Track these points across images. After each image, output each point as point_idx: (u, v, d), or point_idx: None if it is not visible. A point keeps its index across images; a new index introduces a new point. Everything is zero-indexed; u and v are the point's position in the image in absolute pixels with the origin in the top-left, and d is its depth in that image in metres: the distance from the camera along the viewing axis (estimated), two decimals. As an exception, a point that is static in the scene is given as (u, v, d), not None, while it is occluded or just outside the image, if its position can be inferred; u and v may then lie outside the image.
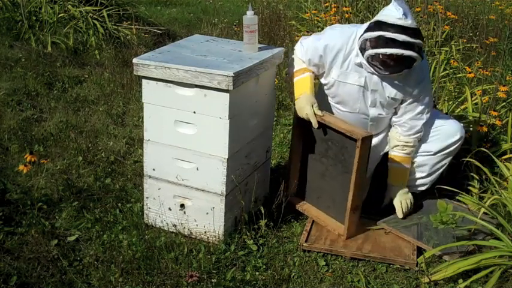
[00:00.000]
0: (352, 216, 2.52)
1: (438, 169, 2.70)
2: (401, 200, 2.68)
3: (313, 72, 2.65)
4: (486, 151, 2.86)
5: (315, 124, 2.52)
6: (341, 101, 2.67)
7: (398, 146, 2.66)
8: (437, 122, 2.67)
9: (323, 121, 2.53)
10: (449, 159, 2.68)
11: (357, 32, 2.53)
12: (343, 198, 2.54)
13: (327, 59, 2.58)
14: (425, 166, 2.69)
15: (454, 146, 2.63)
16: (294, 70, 2.68)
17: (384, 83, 2.55)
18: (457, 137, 2.62)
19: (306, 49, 2.63)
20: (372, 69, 2.49)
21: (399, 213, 2.67)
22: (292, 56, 2.71)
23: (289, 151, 2.77)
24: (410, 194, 2.71)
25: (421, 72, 2.57)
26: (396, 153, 2.68)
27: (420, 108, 2.60)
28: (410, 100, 2.59)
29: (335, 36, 2.59)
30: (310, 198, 2.75)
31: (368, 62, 2.47)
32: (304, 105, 2.55)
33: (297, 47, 2.69)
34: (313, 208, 2.72)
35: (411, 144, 2.65)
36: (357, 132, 2.42)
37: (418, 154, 2.68)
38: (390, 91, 2.57)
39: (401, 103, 2.61)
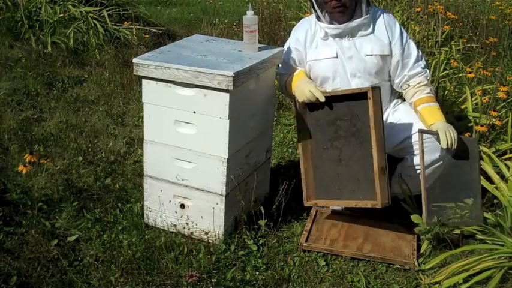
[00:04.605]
0: (381, 179, 2.41)
1: (434, 175, 2.67)
2: (446, 131, 2.50)
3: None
4: (487, 150, 2.87)
5: (321, 97, 2.51)
6: (322, 80, 2.71)
7: (418, 91, 2.67)
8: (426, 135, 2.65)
9: (327, 95, 2.53)
10: (441, 168, 2.63)
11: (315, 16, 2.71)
12: (367, 173, 2.47)
13: (301, 48, 2.72)
14: (420, 176, 2.66)
15: (441, 161, 2.58)
16: (285, 79, 2.76)
17: (357, 44, 2.65)
18: (439, 153, 2.55)
19: (285, 63, 2.74)
20: (329, 20, 2.66)
21: (443, 143, 2.48)
22: (280, 78, 2.82)
23: (299, 149, 2.67)
24: (452, 127, 2.54)
25: (388, 18, 2.70)
26: (420, 97, 2.66)
27: (414, 55, 2.68)
28: (398, 50, 2.65)
29: (298, 27, 2.79)
30: (330, 191, 2.62)
31: (322, 13, 2.65)
32: (305, 85, 2.58)
33: (280, 69, 2.79)
34: (336, 201, 2.61)
35: (425, 82, 2.68)
36: (365, 87, 2.47)
37: (411, 168, 2.64)
38: (366, 48, 2.64)
39: (391, 61, 2.67)
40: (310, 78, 2.74)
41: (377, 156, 2.40)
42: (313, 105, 2.59)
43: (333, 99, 2.53)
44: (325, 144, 2.62)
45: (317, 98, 2.52)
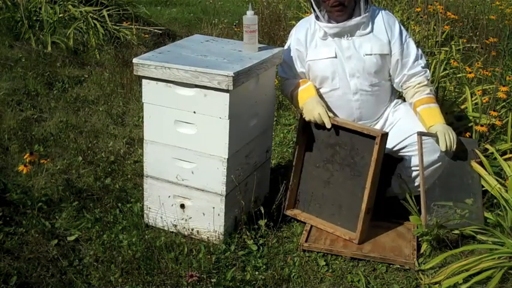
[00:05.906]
0: (365, 218, 2.48)
1: (433, 177, 2.67)
2: (445, 133, 2.51)
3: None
4: (489, 147, 2.86)
5: (327, 123, 2.53)
6: (320, 80, 2.71)
7: (417, 91, 2.67)
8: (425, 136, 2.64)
9: (335, 122, 2.54)
10: (441, 169, 2.63)
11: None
12: (352, 204, 2.54)
13: (302, 48, 2.72)
14: (419, 177, 2.66)
15: (440, 163, 2.59)
16: (292, 89, 2.75)
17: (356, 44, 2.65)
18: (437, 154, 2.57)
19: (285, 63, 2.74)
20: (328, 19, 2.66)
21: (442, 146, 2.49)
22: (283, 82, 2.82)
23: (293, 160, 2.72)
24: (452, 130, 2.55)
25: (388, 17, 2.69)
26: (419, 98, 2.66)
27: (413, 53, 2.68)
28: (397, 49, 2.65)
29: (298, 28, 2.78)
30: (311, 207, 2.69)
31: (321, 13, 2.65)
32: (315, 106, 2.58)
33: (279, 72, 2.80)
34: (315, 218, 2.66)
35: (425, 82, 2.68)
36: (375, 130, 2.46)
37: (410, 168, 2.65)
38: (365, 48, 2.64)
39: (390, 60, 2.67)
40: (309, 78, 2.74)
41: (368, 198, 2.46)
42: (318, 124, 2.60)
43: (339, 128, 2.55)
44: (318, 163, 2.66)
45: (324, 122, 2.54)
